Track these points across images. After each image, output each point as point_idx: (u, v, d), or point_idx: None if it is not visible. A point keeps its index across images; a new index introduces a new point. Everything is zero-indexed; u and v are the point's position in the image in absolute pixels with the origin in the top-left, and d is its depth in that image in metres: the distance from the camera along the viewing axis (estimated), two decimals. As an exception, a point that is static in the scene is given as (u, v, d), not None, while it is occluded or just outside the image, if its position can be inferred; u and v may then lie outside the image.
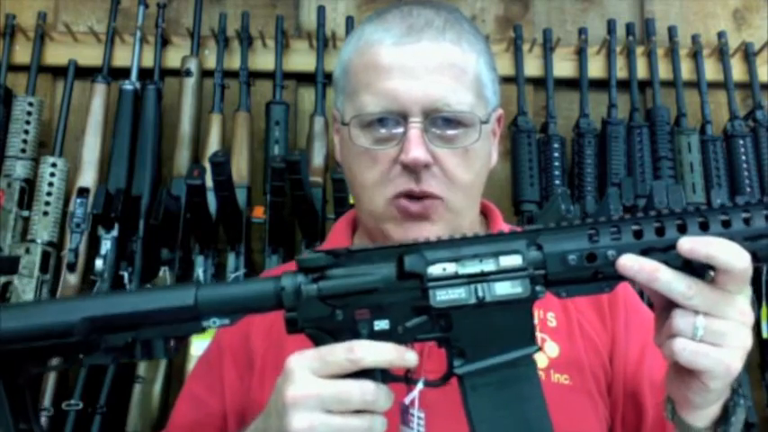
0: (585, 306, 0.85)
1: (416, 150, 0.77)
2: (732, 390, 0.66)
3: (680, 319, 0.60)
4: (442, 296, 0.62)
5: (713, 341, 0.59)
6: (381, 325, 0.63)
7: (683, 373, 0.62)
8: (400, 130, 0.79)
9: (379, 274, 0.63)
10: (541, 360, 0.79)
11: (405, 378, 0.65)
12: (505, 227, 0.91)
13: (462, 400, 0.63)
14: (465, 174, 0.81)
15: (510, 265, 0.62)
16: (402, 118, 0.78)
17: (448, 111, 0.79)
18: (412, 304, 0.63)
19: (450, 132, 0.80)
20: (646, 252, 0.61)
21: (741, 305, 0.61)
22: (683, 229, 0.61)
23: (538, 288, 0.62)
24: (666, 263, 0.60)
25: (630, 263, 0.60)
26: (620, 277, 0.61)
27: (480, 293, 0.61)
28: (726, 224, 0.61)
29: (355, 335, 0.62)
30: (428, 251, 0.63)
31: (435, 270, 0.62)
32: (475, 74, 0.82)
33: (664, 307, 0.62)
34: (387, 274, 0.63)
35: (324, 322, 0.63)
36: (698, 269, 0.61)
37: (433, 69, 0.79)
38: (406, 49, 0.79)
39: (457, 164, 0.80)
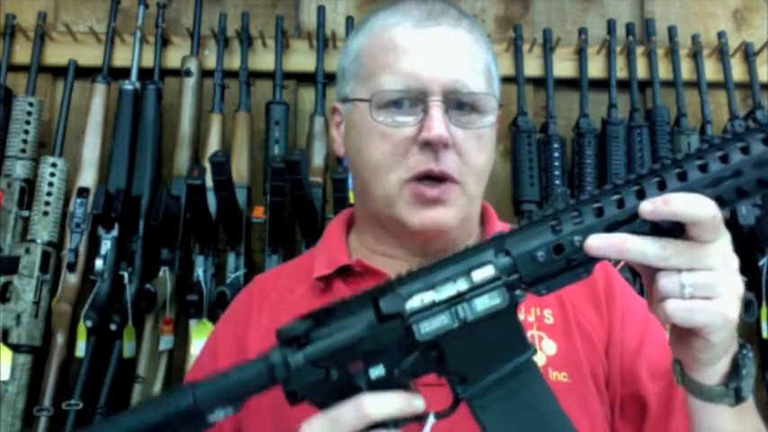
0: (582, 300, 0.84)
1: (440, 127, 0.77)
2: (739, 344, 0.65)
3: (665, 281, 0.59)
4: (426, 328, 0.61)
5: (704, 294, 0.58)
6: (377, 372, 0.62)
7: (683, 334, 0.62)
8: (418, 110, 0.79)
9: (361, 324, 0.62)
10: (539, 358, 0.79)
11: (415, 417, 0.64)
12: (501, 226, 0.91)
13: (476, 421, 0.62)
14: (479, 158, 0.81)
15: (483, 278, 0.61)
16: (422, 97, 0.78)
17: (466, 92, 0.79)
18: (400, 343, 0.62)
19: (466, 115, 0.80)
20: (612, 227, 0.60)
21: (721, 252, 0.59)
22: (642, 195, 0.60)
23: (517, 293, 0.61)
24: (636, 232, 0.59)
25: (597, 242, 0.59)
26: (594, 259, 0.60)
27: (462, 315, 0.60)
28: (682, 177, 0.59)
29: (355, 388, 0.62)
30: (401, 287, 0.62)
31: (413, 304, 0.61)
32: (486, 64, 0.84)
33: (651, 276, 0.62)
34: (368, 321, 0.62)
35: (322, 385, 0.62)
36: (669, 229, 0.59)
37: (452, 52, 0.80)
38: (426, 31, 0.80)
39: (472, 147, 0.80)
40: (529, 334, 0.80)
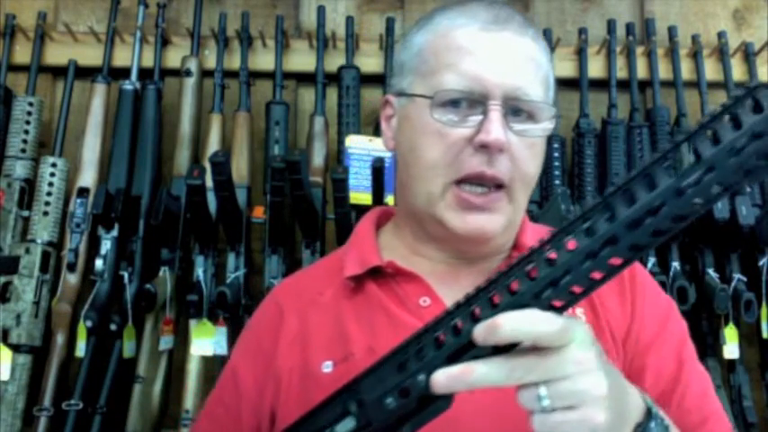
0: (608, 294, 0.83)
1: (498, 131, 0.76)
2: (647, 408, 0.63)
3: (523, 397, 0.56)
4: None
5: (564, 404, 0.55)
6: None
7: None
8: (477, 112, 0.78)
9: None
10: None
11: None
12: (532, 229, 0.90)
13: None
14: (530, 165, 0.81)
15: None
16: (482, 100, 0.78)
17: (526, 99, 0.79)
18: None
19: (522, 122, 0.80)
20: (454, 357, 0.56)
21: (575, 356, 0.56)
22: (476, 316, 0.56)
23: None
24: (485, 355, 0.55)
25: (441, 380, 0.55)
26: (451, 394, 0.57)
27: None
28: (511, 291, 0.55)
29: None
30: None
31: None
32: (546, 73, 0.84)
33: None
34: None
35: None
36: None
37: (516, 59, 0.80)
38: (492, 35, 0.80)
39: (525, 154, 0.80)
40: None
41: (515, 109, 0.79)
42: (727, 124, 0.48)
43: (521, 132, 0.79)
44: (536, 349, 0.55)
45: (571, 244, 0.54)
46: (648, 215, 0.51)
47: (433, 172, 0.80)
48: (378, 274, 0.84)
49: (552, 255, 0.54)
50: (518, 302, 0.55)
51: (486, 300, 0.56)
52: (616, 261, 0.53)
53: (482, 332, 0.54)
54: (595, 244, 0.53)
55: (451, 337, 0.57)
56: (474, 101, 0.78)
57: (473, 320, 0.56)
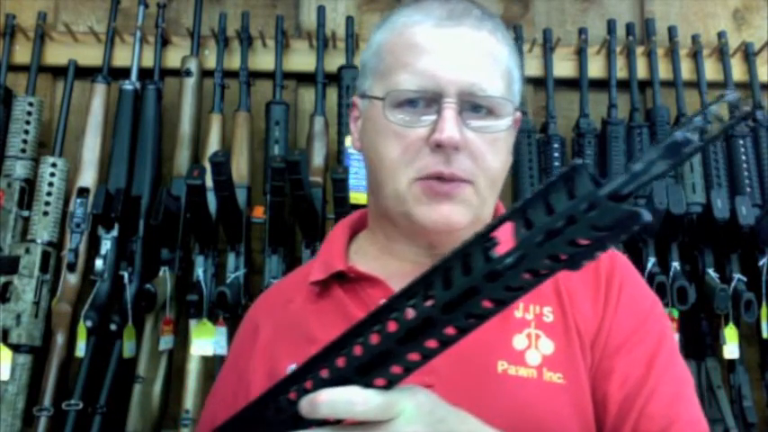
0: (580, 293, 0.81)
1: (452, 129, 0.76)
2: None
3: None
4: None
5: None
6: None
7: None
8: (432, 111, 0.78)
9: None
10: (534, 358, 0.77)
11: None
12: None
13: None
14: (493, 161, 0.80)
15: None
16: (436, 98, 0.78)
17: (482, 95, 0.78)
18: None
19: (481, 119, 0.79)
20: (294, 423, 0.57)
21: (398, 430, 0.55)
22: (308, 387, 0.57)
23: None
24: (317, 424, 0.57)
25: None
26: None
27: None
28: (337, 366, 0.56)
29: None
30: None
31: None
32: (507, 66, 0.83)
33: None
34: None
35: None
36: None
37: (471, 54, 0.79)
38: (446, 31, 0.80)
39: (486, 150, 0.79)
40: (525, 332, 0.78)
41: (474, 105, 0.78)
42: (541, 208, 0.45)
43: (479, 129, 0.78)
44: (364, 422, 0.55)
45: (391, 325, 0.52)
46: (466, 297, 0.49)
47: (395, 171, 0.79)
48: (344, 278, 0.85)
49: (374, 338, 0.54)
50: (342, 377, 0.55)
51: (317, 370, 0.57)
52: (432, 344, 0.52)
53: (305, 406, 0.56)
54: (416, 322, 0.51)
55: (287, 404, 0.58)
56: (430, 99, 0.78)
57: (305, 390, 0.57)
